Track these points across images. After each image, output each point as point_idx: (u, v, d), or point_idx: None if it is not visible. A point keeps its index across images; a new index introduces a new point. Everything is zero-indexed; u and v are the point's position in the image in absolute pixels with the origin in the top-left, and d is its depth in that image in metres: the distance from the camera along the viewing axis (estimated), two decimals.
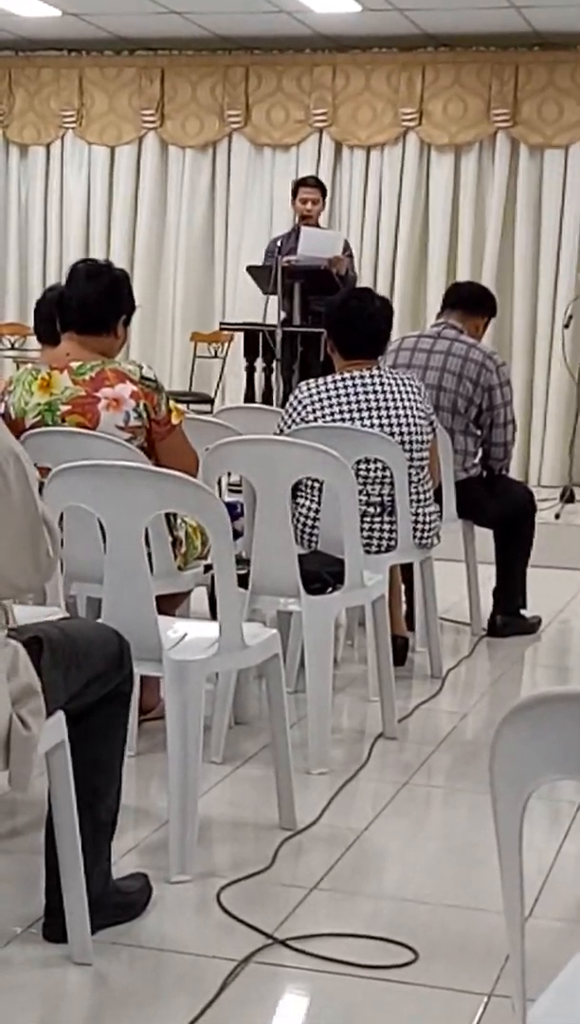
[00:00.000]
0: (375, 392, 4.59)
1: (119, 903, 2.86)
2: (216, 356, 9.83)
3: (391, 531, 4.60)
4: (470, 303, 5.75)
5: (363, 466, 4.51)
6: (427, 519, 4.72)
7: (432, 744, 4.25)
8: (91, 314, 3.95)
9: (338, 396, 4.58)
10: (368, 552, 4.45)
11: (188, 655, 3.19)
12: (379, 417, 4.57)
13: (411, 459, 4.60)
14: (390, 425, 4.57)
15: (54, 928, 2.73)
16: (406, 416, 4.60)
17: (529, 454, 9.68)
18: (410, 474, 4.59)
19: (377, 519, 4.59)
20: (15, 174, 10.77)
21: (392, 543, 4.62)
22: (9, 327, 10.07)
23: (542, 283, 9.62)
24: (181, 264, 10.34)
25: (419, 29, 9.27)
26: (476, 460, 5.64)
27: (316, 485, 4.48)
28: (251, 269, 8.36)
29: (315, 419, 4.55)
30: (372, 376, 4.62)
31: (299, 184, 8.57)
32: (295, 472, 4.10)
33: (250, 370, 8.50)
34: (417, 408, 4.64)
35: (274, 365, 8.05)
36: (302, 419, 4.56)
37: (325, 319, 4.89)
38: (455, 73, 9.69)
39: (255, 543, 4.03)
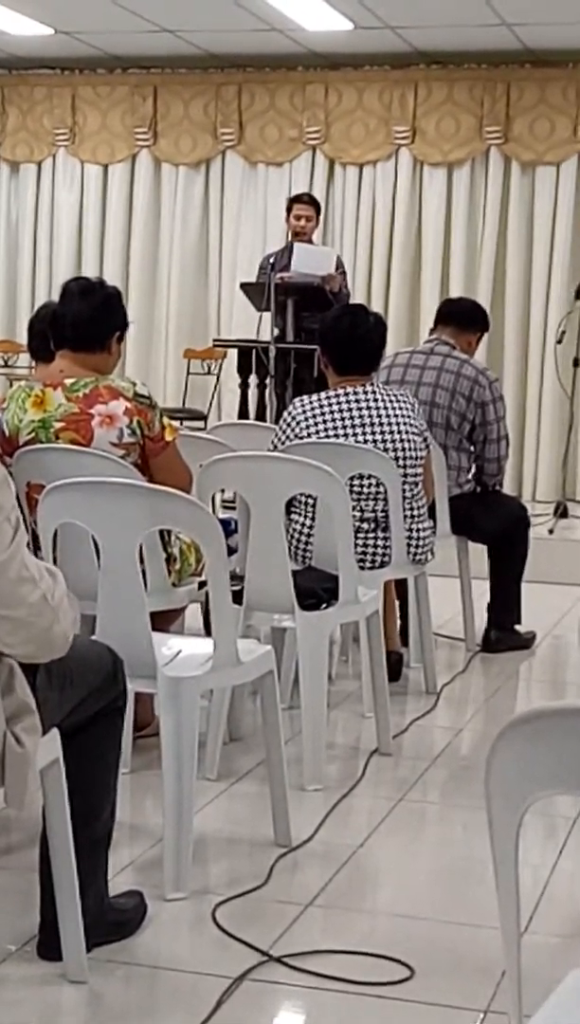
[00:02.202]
0: (369, 408, 4.60)
1: (114, 921, 2.85)
2: (209, 373, 9.84)
3: (385, 547, 4.61)
4: (462, 319, 5.76)
5: (357, 482, 4.52)
6: (421, 535, 4.72)
7: (427, 760, 4.25)
8: (84, 331, 3.95)
9: (332, 412, 4.59)
10: (362, 568, 4.45)
11: (182, 672, 3.19)
12: (373, 433, 4.57)
13: (405, 475, 4.60)
14: (384, 441, 4.57)
15: (49, 946, 2.72)
16: (400, 432, 4.60)
17: (522, 469, 9.68)
18: (404, 490, 4.60)
19: (371, 535, 4.60)
20: (5, 191, 10.77)
21: (386, 559, 4.62)
22: None
23: (534, 299, 9.63)
24: (174, 281, 10.34)
25: (411, 47, 9.30)
26: (470, 476, 5.65)
27: (310, 501, 4.49)
28: (244, 286, 8.37)
29: (309, 435, 4.55)
30: (366, 392, 4.63)
31: (294, 201, 8.58)
32: (289, 488, 4.10)
33: (244, 387, 8.51)
34: (410, 424, 4.65)
35: (268, 382, 8.05)
36: (296, 435, 4.57)
37: (319, 336, 4.89)
38: (447, 91, 9.72)
39: (249, 559, 4.03)
